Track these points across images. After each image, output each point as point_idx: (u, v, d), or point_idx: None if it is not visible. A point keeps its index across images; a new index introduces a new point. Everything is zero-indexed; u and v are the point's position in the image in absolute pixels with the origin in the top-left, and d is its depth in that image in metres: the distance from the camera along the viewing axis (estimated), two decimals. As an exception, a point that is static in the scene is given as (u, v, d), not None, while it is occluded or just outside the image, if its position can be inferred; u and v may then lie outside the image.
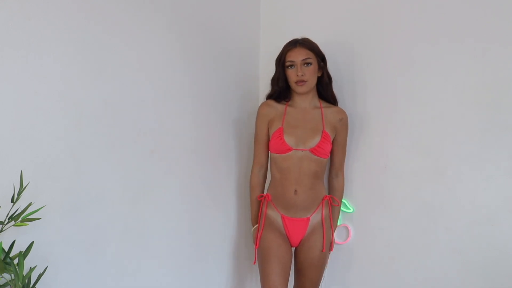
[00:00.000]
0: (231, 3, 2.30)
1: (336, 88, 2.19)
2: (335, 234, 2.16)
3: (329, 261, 2.20)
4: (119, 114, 1.74)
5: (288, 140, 2.00)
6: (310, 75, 2.00)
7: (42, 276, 1.37)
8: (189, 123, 2.04)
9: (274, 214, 2.06)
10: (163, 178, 1.93)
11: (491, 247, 1.88)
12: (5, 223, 1.31)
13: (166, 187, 1.94)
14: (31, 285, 1.33)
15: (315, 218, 2.04)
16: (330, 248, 2.08)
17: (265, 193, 2.12)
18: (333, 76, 2.16)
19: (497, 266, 1.88)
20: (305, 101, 2.07)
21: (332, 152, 2.10)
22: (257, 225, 2.09)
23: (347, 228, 2.21)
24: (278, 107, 2.08)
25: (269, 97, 2.12)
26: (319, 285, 2.07)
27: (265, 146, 2.11)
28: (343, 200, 2.20)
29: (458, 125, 1.94)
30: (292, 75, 2.00)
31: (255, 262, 2.08)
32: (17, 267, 1.27)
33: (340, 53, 2.21)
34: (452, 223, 1.96)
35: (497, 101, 1.86)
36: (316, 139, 2.00)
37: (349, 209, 2.19)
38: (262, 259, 2.03)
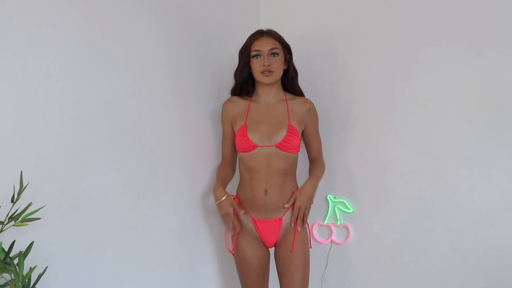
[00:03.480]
0: (231, 3, 2.30)
1: (336, 87, 2.19)
2: (335, 231, 2.13)
3: (329, 261, 2.21)
4: (119, 114, 1.74)
5: (252, 137, 1.91)
6: (277, 66, 1.91)
7: (42, 276, 1.37)
8: (189, 123, 2.04)
9: (245, 217, 1.96)
10: (163, 178, 1.93)
11: (491, 247, 1.89)
12: (5, 223, 1.31)
13: (166, 187, 1.94)
14: (31, 285, 1.33)
15: (288, 217, 1.94)
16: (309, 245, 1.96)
17: (234, 195, 2.01)
18: (333, 75, 2.16)
19: (497, 266, 1.88)
20: (269, 94, 1.98)
21: (307, 143, 2.04)
22: (227, 195, 1.88)
23: (347, 228, 2.21)
24: (242, 103, 2.00)
25: (233, 91, 2.05)
26: (307, 285, 1.93)
27: (230, 143, 2.03)
28: (343, 200, 2.20)
29: (458, 125, 1.94)
30: (257, 65, 1.91)
31: (232, 251, 1.98)
32: (17, 267, 1.27)
33: (340, 52, 2.21)
34: (452, 223, 1.96)
35: (497, 101, 1.86)
36: (282, 134, 1.90)
37: (349, 209, 2.19)
38: (238, 268, 1.98)
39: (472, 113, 1.91)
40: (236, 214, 1.91)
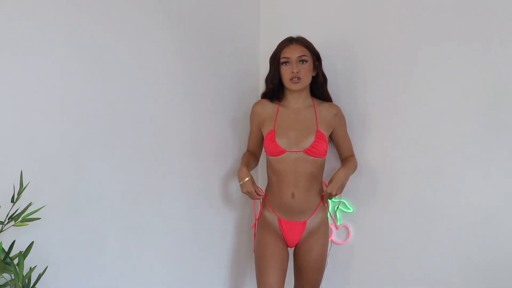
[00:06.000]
0: (231, 3, 2.30)
1: (336, 88, 2.19)
2: (335, 231, 2.14)
3: (329, 260, 2.21)
4: (119, 114, 1.74)
5: (280, 142, 1.96)
6: (305, 73, 1.95)
7: (42, 276, 1.37)
8: (189, 123, 2.04)
9: (271, 216, 2.03)
10: (163, 178, 1.93)
11: (491, 247, 1.88)
12: (5, 223, 1.31)
13: (166, 187, 1.94)
14: (31, 285, 1.33)
15: (312, 222, 2.01)
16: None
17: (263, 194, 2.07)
18: (333, 76, 2.16)
19: (497, 266, 1.88)
20: (298, 100, 2.02)
21: (338, 145, 2.09)
22: (250, 177, 1.97)
23: (347, 228, 2.21)
24: (271, 107, 2.05)
25: (264, 95, 2.09)
26: (319, 286, 2.06)
27: (256, 139, 2.12)
28: (343, 200, 2.20)
29: (458, 125, 1.94)
30: (286, 72, 1.95)
31: (255, 250, 2.04)
32: (17, 267, 1.27)
33: (340, 52, 2.21)
34: (452, 223, 1.96)
35: (497, 101, 1.86)
36: (310, 140, 1.95)
37: (349, 209, 2.19)
38: (258, 258, 2.01)
39: (472, 113, 1.91)
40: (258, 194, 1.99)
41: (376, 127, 2.13)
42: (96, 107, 1.66)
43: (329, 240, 2.12)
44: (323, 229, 2.03)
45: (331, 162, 2.18)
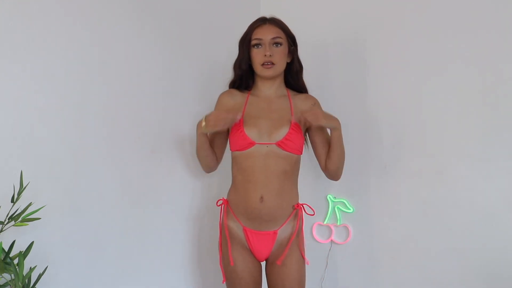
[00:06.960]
0: (231, 3, 2.30)
1: (336, 87, 2.19)
2: (334, 230, 2.13)
3: (329, 261, 2.21)
4: (119, 114, 1.75)
5: (249, 132, 1.67)
6: (279, 57, 1.71)
7: (42, 276, 1.37)
8: (189, 123, 2.04)
9: (235, 225, 1.74)
10: (163, 178, 1.93)
11: (491, 247, 1.88)
12: (5, 223, 1.31)
13: (166, 187, 1.94)
14: (31, 285, 1.34)
15: (283, 232, 1.71)
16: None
17: (224, 199, 1.79)
18: (333, 75, 2.16)
19: (497, 266, 1.88)
20: (270, 88, 1.77)
21: (316, 144, 1.80)
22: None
23: (347, 228, 2.21)
24: (239, 96, 1.79)
25: (232, 85, 1.83)
26: None
27: (218, 136, 1.81)
28: (343, 200, 2.19)
29: (458, 125, 1.94)
30: (258, 55, 1.70)
31: (224, 281, 1.77)
32: (17, 267, 1.27)
33: (340, 52, 2.21)
34: (452, 223, 1.96)
35: (497, 101, 1.86)
36: (284, 131, 1.68)
37: (349, 209, 2.19)
38: (228, 281, 1.77)
39: (472, 113, 1.91)
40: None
41: (376, 126, 2.13)
42: (96, 107, 1.67)
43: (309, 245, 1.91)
44: (297, 240, 1.74)
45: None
